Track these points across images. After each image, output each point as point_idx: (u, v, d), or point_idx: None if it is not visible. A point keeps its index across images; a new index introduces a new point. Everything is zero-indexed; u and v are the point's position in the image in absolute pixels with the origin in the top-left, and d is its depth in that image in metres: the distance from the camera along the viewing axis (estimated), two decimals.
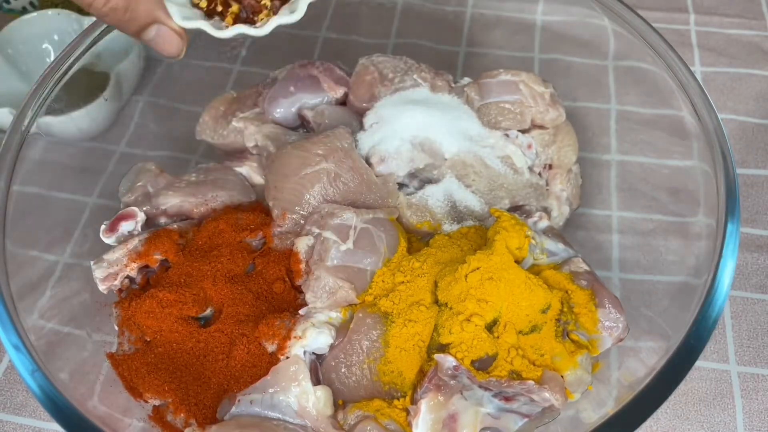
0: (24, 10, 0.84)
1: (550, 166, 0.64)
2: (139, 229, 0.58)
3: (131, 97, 0.73)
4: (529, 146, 0.64)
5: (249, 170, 0.65)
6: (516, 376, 0.49)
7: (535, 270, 0.54)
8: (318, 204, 0.58)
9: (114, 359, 0.53)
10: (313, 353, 0.52)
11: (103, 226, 0.58)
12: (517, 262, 0.53)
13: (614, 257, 0.63)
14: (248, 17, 0.49)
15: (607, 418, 0.45)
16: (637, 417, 0.45)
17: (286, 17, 0.47)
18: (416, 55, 0.70)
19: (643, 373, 0.47)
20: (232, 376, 0.51)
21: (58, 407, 0.46)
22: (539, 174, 0.64)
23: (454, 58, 0.80)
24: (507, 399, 0.49)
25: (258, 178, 0.64)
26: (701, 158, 0.56)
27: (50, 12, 0.75)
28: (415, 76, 0.66)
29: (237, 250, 0.56)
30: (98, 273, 0.55)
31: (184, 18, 0.46)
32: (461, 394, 0.49)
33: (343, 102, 0.68)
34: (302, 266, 0.55)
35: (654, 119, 0.67)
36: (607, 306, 0.52)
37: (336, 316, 0.54)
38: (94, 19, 0.68)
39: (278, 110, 0.67)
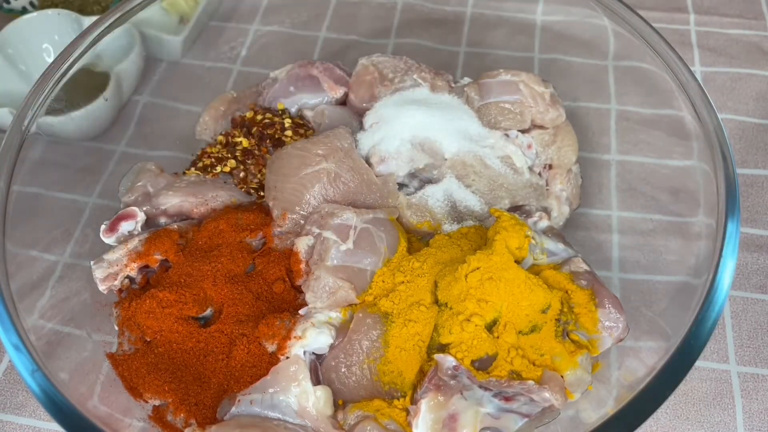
0: (24, 10, 0.84)
1: (550, 166, 0.64)
2: (139, 229, 0.58)
3: (131, 97, 0.73)
4: (529, 146, 0.64)
5: None
6: (516, 376, 0.49)
7: (535, 270, 0.54)
8: (318, 204, 0.58)
9: (114, 359, 0.53)
10: (313, 353, 0.52)
11: (103, 226, 0.58)
12: (517, 262, 0.53)
13: (614, 257, 0.63)
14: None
15: (607, 418, 0.45)
16: (637, 417, 0.45)
17: None
18: (416, 55, 0.70)
19: (643, 373, 0.47)
20: (232, 376, 0.51)
21: (58, 407, 0.46)
22: (539, 174, 0.64)
23: (454, 58, 0.80)
24: (507, 399, 0.49)
25: None
26: (701, 158, 0.56)
27: (50, 12, 0.75)
28: (415, 76, 0.66)
29: (237, 250, 0.56)
30: (98, 273, 0.55)
31: None
32: (461, 394, 0.49)
33: (343, 102, 0.68)
34: (302, 266, 0.55)
35: (654, 119, 0.67)
36: (607, 306, 0.52)
37: (336, 316, 0.54)
38: (94, 18, 0.68)
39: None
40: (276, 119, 0.65)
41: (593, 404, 0.50)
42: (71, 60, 0.61)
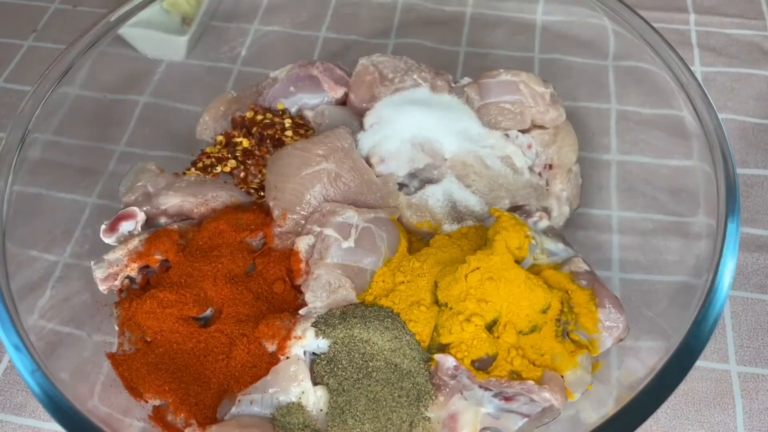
0: None
1: (550, 166, 0.64)
2: (139, 229, 0.58)
3: (131, 97, 0.73)
4: (529, 146, 0.64)
5: None
6: (516, 376, 0.49)
7: (535, 270, 0.54)
8: (318, 204, 0.58)
9: (114, 359, 0.53)
10: (313, 353, 0.52)
11: (103, 226, 0.58)
12: (518, 262, 0.53)
13: (614, 257, 0.63)
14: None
15: (607, 418, 0.45)
16: (637, 417, 0.45)
17: None
18: (416, 55, 0.70)
19: (643, 373, 0.47)
20: (232, 376, 0.51)
21: (59, 407, 0.46)
22: (539, 174, 0.64)
23: (454, 58, 0.80)
24: (507, 399, 0.49)
25: None
26: (701, 158, 0.56)
27: None
28: (415, 76, 0.66)
29: (237, 250, 0.56)
30: (98, 273, 0.55)
31: None
32: (461, 394, 0.49)
33: (343, 102, 0.68)
34: (302, 266, 0.55)
35: (654, 119, 0.67)
36: (607, 306, 0.52)
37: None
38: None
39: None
40: (276, 119, 0.65)
41: (593, 404, 0.50)
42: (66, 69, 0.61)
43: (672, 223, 0.62)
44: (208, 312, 0.54)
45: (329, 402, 0.49)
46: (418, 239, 0.60)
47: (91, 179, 0.66)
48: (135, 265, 0.56)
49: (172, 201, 0.60)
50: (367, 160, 0.61)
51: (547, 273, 0.54)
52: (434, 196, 0.60)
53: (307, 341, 0.51)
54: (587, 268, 0.54)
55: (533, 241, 0.54)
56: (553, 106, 0.64)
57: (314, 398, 0.50)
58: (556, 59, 0.77)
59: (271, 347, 0.52)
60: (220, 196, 0.60)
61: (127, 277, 0.56)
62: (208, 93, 0.72)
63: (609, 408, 0.46)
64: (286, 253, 0.57)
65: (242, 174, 0.63)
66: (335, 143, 0.59)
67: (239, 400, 0.50)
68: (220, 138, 0.66)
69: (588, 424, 0.46)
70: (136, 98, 0.74)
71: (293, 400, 0.50)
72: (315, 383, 0.51)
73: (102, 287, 0.55)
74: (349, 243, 0.55)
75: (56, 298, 0.57)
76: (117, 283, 0.55)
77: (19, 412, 0.59)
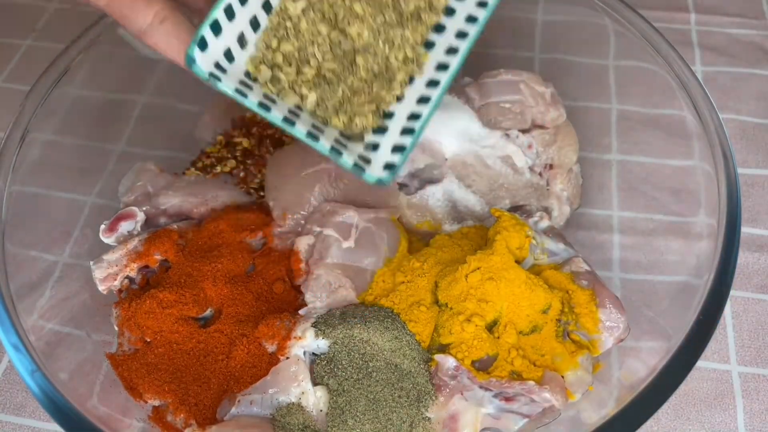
0: None
1: (551, 166, 0.64)
2: (139, 229, 0.58)
3: (131, 96, 0.73)
4: (530, 146, 0.64)
5: None
6: (516, 376, 0.49)
7: (535, 270, 0.54)
8: (319, 204, 0.58)
9: (114, 359, 0.53)
10: (313, 354, 0.52)
11: (102, 226, 0.58)
12: (518, 262, 0.53)
13: (615, 257, 0.63)
14: None
15: (608, 419, 0.45)
16: (637, 417, 0.45)
17: None
18: None
19: (644, 373, 0.47)
20: (232, 377, 0.51)
21: (58, 407, 0.46)
22: (540, 174, 0.64)
23: None
24: (507, 399, 0.49)
25: None
26: (702, 158, 0.56)
27: None
28: None
29: (237, 250, 0.56)
30: (98, 273, 0.55)
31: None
32: (462, 394, 0.49)
33: None
34: (302, 266, 0.55)
35: (655, 119, 0.66)
36: (607, 306, 0.52)
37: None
38: None
39: None
40: None
41: (594, 404, 0.50)
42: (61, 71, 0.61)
43: (673, 223, 0.62)
44: (208, 312, 0.54)
45: (329, 402, 0.49)
46: (418, 239, 0.60)
47: (90, 179, 0.66)
48: (134, 265, 0.55)
49: (171, 201, 0.60)
50: None
51: (548, 273, 0.54)
52: (434, 196, 0.60)
53: (307, 341, 0.51)
54: (588, 268, 0.54)
55: (534, 241, 0.54)
56: (553, 105, 0.64)
57: (314, 399, 0.50)
58: (556, 59, 0.77)
59: (271, 347, 0.51)
60: (220, 196, 0.60)
61: (127, 277, 0.56)
62: (208, 93, 0.72)
63: (610, 408, 0.46)
64: (286, 254, 0.57)
65: (242, 174, 0.63)
66: None
67: (239, 401, 0.50)
68: (220, 138, 0.66)
69: (589, 425, 0.46)
70: (135, 98, 0.74)
71: (293, 400, 0.50)
72: (315, 383, 0.51)
73: (101, 287, 0.55)
74: (349, 243, 0.55)
75: (56, 298, 0.57)
76: (116, 283, 0.55)
77: (18, 412, 0.59)
